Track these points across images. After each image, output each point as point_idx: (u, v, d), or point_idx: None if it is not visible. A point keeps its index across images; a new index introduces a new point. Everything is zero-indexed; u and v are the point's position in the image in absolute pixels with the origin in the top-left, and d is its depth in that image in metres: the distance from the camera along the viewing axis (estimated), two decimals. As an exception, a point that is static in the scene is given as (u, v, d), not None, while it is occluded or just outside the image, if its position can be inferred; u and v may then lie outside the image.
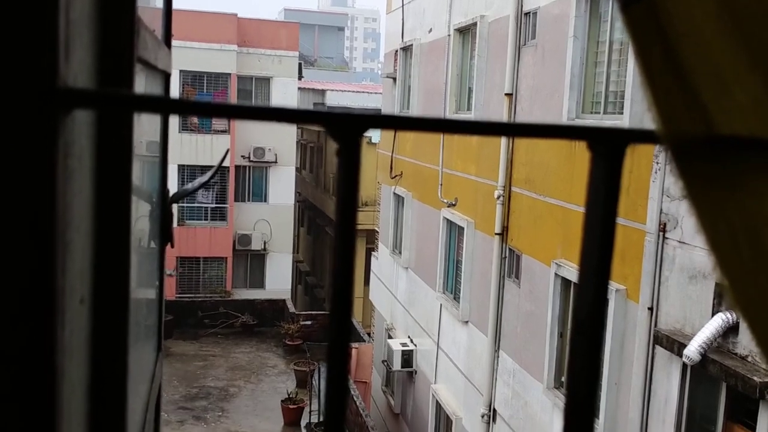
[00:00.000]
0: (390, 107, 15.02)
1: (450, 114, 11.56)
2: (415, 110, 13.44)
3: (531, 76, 8.94)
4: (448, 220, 11.63)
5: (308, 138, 29.23)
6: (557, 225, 8.16)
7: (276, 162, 24.19)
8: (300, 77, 25.66)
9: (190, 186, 2.34)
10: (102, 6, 0.60)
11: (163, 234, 1.41)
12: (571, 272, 7.76)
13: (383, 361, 14.36)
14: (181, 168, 22.33)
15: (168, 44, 1.49)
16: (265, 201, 24.49)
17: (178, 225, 22.12)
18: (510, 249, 9.46)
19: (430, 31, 12.71)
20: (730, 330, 5.44)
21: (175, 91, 21.87)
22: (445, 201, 11.55)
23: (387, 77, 15.38)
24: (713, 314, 5.56)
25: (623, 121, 6.81)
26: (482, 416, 9.92)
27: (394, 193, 14.58)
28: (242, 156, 23.70)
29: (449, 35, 11.60)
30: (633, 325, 6.61)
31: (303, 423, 16.27)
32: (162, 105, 0.37)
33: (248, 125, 23.87)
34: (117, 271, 0.62)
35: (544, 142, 8.60)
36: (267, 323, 22.00)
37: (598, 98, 7.67)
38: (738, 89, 0.42)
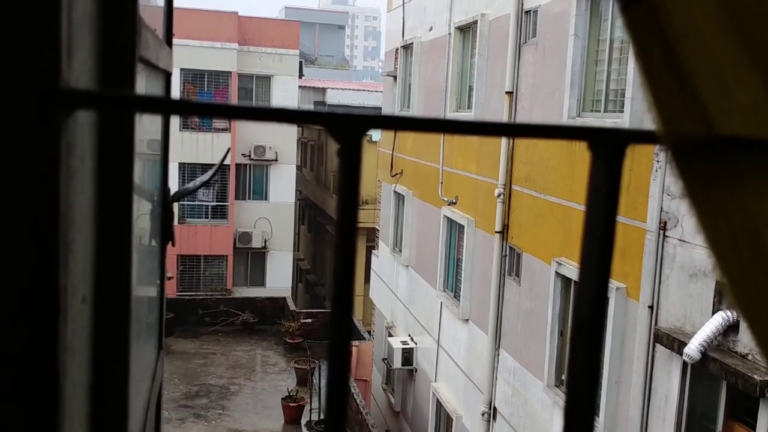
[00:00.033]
0: (390, 105, 15.01)
1: (450, 112, 11.56)
2: (416, 109, 13.44)
3: (531, 74, 8.94)
4: (448, 218, 11.63)
5: (309, 136, 29.23)
6: (557, 223, 8.16)
7: (276, 160, 24.19)
8: (300, 75, 25.66)
9: (191, 185, 2.34)
10: (104, 6, 0.61)
11: (164, 232, 1.41)
12: (572, 270, 7.76)
13: (383, 359, 14.37)
14: (182, 166, 22.34)
15: (169, 43, 1.49)
16: (266, 199, 24.50)
17: (179, 223, 22.13)
18: (510, 247, 9.46)
19: (431, 29, 12.70)
20: (731, 328, 5.44)
21: (175, 90, 21.87)
22: (446, 199, 11.55)
23: (387, 75, 15.37)
24: (713, 313, 5.57)
25: (624, 120, 6.80)
26: (482, 414, 9.93)
27: (395, 192, 14.58)
28: (243, 154, 23.70)
29: (450, 33, 11.60)
30: (633, 324, 6.62)
31: (303, 421, 16.28)
32: (164, 106, 0.38)
33: (249, 123, 23.85)
34: (118, 270, 0.62)
35: (545, 141, 8.59)
36: (267, 321, 22.02)
37: (598, 96, 7.67)
38: (738, 90, 0.42)
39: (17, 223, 0.40)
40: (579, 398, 0.43)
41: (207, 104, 0.39)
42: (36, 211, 0.40)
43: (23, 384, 0.41)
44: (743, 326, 5.36)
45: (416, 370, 13.13)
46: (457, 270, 11.46)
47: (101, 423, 0.60)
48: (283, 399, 16.41)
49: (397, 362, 13.16)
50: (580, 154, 7.78)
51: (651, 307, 6.36)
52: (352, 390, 14.27)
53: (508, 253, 9.53)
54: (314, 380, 16.82)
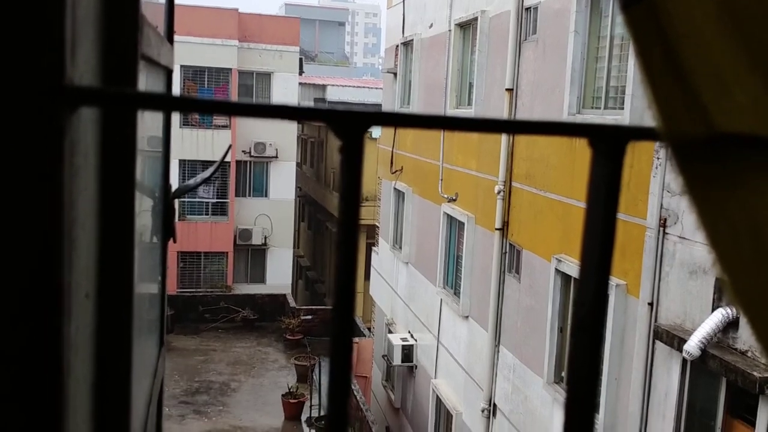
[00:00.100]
0: (390, 102, 15.00)
1: (450, 109, 11.55)
2: (416, 105, 13.43)
3: (532, 71, 8.93)
4: (448, 215, 11.63)
5: (309, 133, 29.21)
6: (557, 220, 8.17)
7: (277, 157, 24.18)
8: (301, 72, 25.63)
9: (192, 181, 2.35)
10: (106, 3, 0.61)
11: (166, 229, 1.41)
12: (572, 267, 7.76)
13: (383, 356, 14.38)
14: (182, 163, 22.32)
15: (170, 40, 1.49)
16: (266, 196, 24.49)
17: (179, 220, 22.12)
18: (510, 244, 9.46)
19: (431, 26, 12.68)
20: (730, 325, 5.44)
21: (176, 87, 21.83)
22: (446, 196, 11.55)
23: (388, 72, 15.36)
24: (713, 309, 5.57)
25: (624, 117, 6.80)
26: (482, 411, 9.94)
27: (395, 188, 14.57)
28: (243, 151, 23.69)
29: (450, 30, 11.58)
30: (633, 321, 6.62)
31: (303, 417, 16.31)
32: (166, 103, 0.38)
33: (249, 120, 23.84)
34: (121, 266, 0.62)
35: (545, 138, 8.59)
36: (268, 318, 22.04)
37: (598, 93, 7.66)
38: (738, 90, 0.42)
39: (21, 220, 0.40)
40: (579, 395, 0.43)
41: (209, 101, 0.40)
42: (40, 207, 0.40)
43: (27, 381, 0.41)
44: (743, 323, 5.36)
45: (416, 366, 13.15)
46: (457, 267, 11.46)
47: (104, 418, 0.60)
48: (283, 395, 16.43)
49: (397, 359, 13.17)
50: (580, 151, 7.78)
51: (651, 304, 6.37)
52: (353, 387, 14.28)
53: (508, 250, 9.54)
54: (314, 377, 16.84)
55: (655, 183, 6.36)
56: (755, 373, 5.04)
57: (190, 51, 21.89)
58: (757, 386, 5.02)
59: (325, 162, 26.78)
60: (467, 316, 10.84)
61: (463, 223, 10.99)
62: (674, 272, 6.11)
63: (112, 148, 0.58)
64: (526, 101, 9.06)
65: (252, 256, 24.56)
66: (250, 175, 24.44)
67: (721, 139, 0.43)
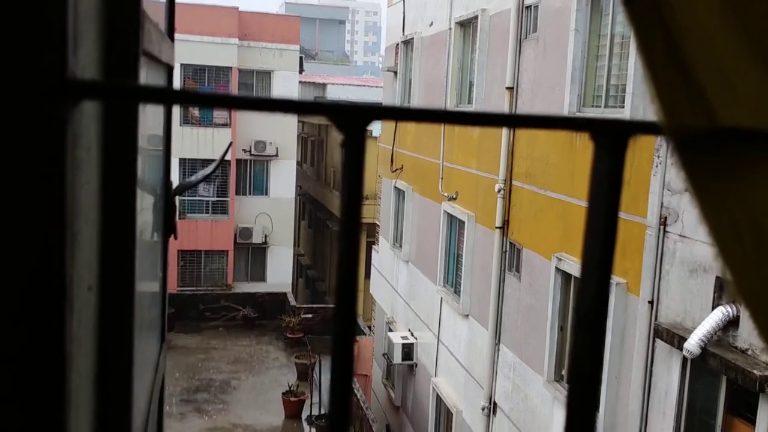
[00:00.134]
0: (391, 101, 14.99)
1: (451, 107, 11.55)
2: (416, 104, 13.42)
3: (532, 69, 8.92)
4: (448, 213, 11.63)
5: (309, 131, 29.20)
6: (558, 219, 8.17)
7: (277, 155, 24.18)
8: (301, 71, 25.62)
9: (193, 178, 2.35)
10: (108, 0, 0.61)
11: (167, 225, 1.41)
12: (572, 266, 7.77)
13: (384, 354, 14.39)
14: (182, 161, 22.32)
15: (171, 37, 1.49)
16: (266, 194, 24.49)
17: (180, 218, 22.12)
18: (510, 243, 9.47)
19: (431, 24, 12.67)
20: (731, 323, 5.44)
21: (177, 85, 21.79)
22: (446, 194, 11.55)
23: (388, 71, 15.35)
24: (713, 308, 5.57)
25: (624, 115, 6.80)
26: (482, 409, 9.95)
27: (395, 187, 14.57)
28: (243, 150, 23.68)
29: (450, 29, 11.57)
30: (633, 319, 6.62)
31: (304, 416, 16.32)
32: (167, 96, 0.38)
33: (249, 119, 23.83)
34: (123, 260, 0.62)
35: (545, 136, 8.58)
36: (268, 316, 22.05)
37: (599, 92, 7.66)
38: (741, 84, 0.42)
39: (24, 213, 0.40)
40: (581, 393, 0.43)
41: (209, 95, 0.40)
42: (42, 200, 0.40)
43: (30, 374, 0.41)
44: (743, 321, 5.36)
45: (416, 365, 13.16)
46: (457, 265, 11.47)
47: (106, 413, 0.60)
48: (283, 394, 16.45)
49: (397, 357, 13.18)
50: (580, 149, 7.77)
51: (651, 303, 6.37)
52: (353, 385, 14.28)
53: (508, 248, 9.54)
54: (315, 375, 16.85)
55: (655, 181, 6.36)
56: (755, 372, 5.04)
57: (191, 49, 21.88)
58: (758, 384, 5.03)
59: (325, 160, 26.77)
60: (467, 315, 10.85)
61: (463, 222, 10.99)
62: (674, 270, 6.11)
63: (113, 141, 0.58)
64: (527, 99, 9.06)
65: (252, 254, 24.57)
66: (251, 174, 24.44)
67: (724, 133, 0.43)
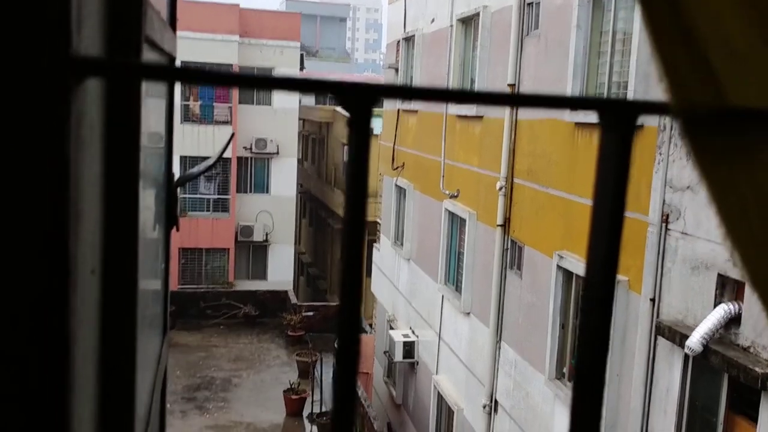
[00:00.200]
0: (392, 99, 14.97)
1: (452, 105, 11.54)
2: (417, 102, 13.40)
3: (534, 66, 8.91)
4: (449, 211, 11.62)
5: (310, 129, 29.20)
6: (559, 216, 8.16)
7: (278, 153, 24.18)
8: (302, 68, 25.61)
9: (195, 170, 2.35)
10: (111, -18, 0.61)
11: (169, 217, 1.41)
12: (573, 264, 7.76)
13: (385, 352, 14.40)
14: (183, 159, 22.32)
15: (173, 27, 1.49)
16: (267, 192, 24.50)
17: (180, 216, 22.12)
18: (512, 240, 9.46)
19: (433, 21, 12.66)
20: (732, 321, 5.44)
21: (177, 84, 21.75)
22: (447, 192, 11.54)
23: (389, 68, 15.34)
24: (715, 305, 5.57)
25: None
26: (484, 407, 9.95)
27: (396, 185, 14.57)
28: (244, 147, 23.68)
29: (452, 25, 11.56)
30: (635, 317, 6.62)
31: (305, 413, 16.34)
32: (171, 73, 0.38)
33: (250, 116, 23.84)
34: (126, 245, 0.62)
35: (546, 134, 8.57)
36: (269, 314, 22.07)
37: (601, 88, 7.65)
38: (750, 64, 0.42)
39: (29, 189, 0.40)
40: (586, 391, 0.43)
41: (214, 73, 0.39)
42: (47, 175, 0.40)
43: (33, 354, 0.41)
44: (745, 319, 5.36)
45: (417, 363, 13.16)
46: (458, 263, 11.47)
47: (109, 396, 0.60)
48: (284, 391, 16.47)
49: (398, 355, 13.18)
50: (582, 147, 7.77)
51: (653, 300, 6.36)
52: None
53: (509, 246, 9.53)
54: (316, 373, 16.87)
55: (657, 179, 6.35)
56: (757, 369, 5.04)
57: (191, 47, 21.86)
58: (759, 382, 5.02)
59: (326, 158, 26.77)
60: (469, 313, 10.85)
61: (464, 220, 10.98)
62: (676, 268, 6.10)
63: (116, 122, 0.58)
64: (528, 97, 9.04)
65: (253, 252, 24.58)
66: (252, 172, 24.45)
67: (733, 113, 0.43)
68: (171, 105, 1.66)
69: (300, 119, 26.39)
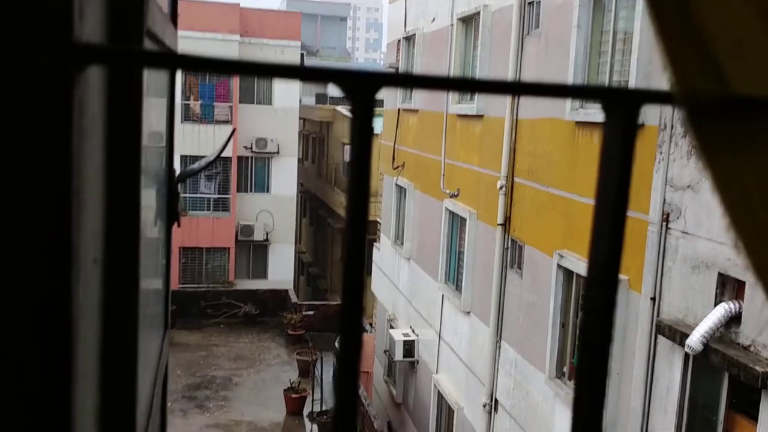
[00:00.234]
0: (392, 97, 14.99)
1: (452, 104, 11.53)
2: (417, 100, 13.41)
3: (534, 65, 8.91)
4: (450, 210, 11.62)
5: (310, 129, 29.20)
6: (560, 216, 8.16)
7: (278, 153, 24.18)
8: (302, 67, 25.57)
9: (196, 165, 2.35)
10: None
11: (170, 213, 1.41)
12: (574, 263, 7.76)
13: (385, 351, 14.40)
14: (184, 159, 22.31)
15: (174, 23, 1.48)
16: (268, 192, 24.50)
17: (181, 215, 22.11)
18: (512, 240, 9.46)
19: (433, 20, 12.66)
20: (733, 320, 5.44)
21: (177, 81, 21.79)
22: (448, 192, 11.54)
23: (389, 67, 15.33)
24: (716, 304, 5.56)
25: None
26: (484, 406, 9.95)
27: (396, 184, 14.57)
28: (244, 147, 23.69)
29: (452, 25, 11.56)
30: (635, 316, 6.62)
31: (305, 412, 16.35)
32: (174, 61, 0.37)
33: (251, 116, 23.83)
34: (128, 234, 0.62)
35: (547, 133, 8.57)
36: (269, 313, 22.08)
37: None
38: (753, 53, 0.42)
39: (32, 176, 0.40)
40: (589, 391, 0.42)
41: (217, 60, 0.39)
42: (50, 161, 0.40)
43: (36, 344, 0.41)
44: (745, 318, 5.36)
45: (418, 362, 13.16)
46: (458, 262, 11.46)
47: (111, 385, 0.60)
48: (285, 390, 16.47)
49: (398, 354, 13.18)
50: (582, 146, 7.76)
51: (653, 299, 6.36)
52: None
53: (510, 245, 9.53)
54: (316, 372, 16.87)
55: (657, 178, 6.35)
56: (757, 368, 5.04)
57: (191, 46, 21.86)
58: (760, 381, 5.02)
59: (326, 158, 26.77)
60: (469, 312, 10.85)
61: (464, 219, 10.98)
62: (677, 267, 6.10)
63: (118, 111, 0.57)
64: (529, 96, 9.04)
65: (254, 251, 24.59)
66: (252, 171, 24.45)
67: (736, 101, 0.43)
68: (172, 99, 1.66)
69: (300, 119, 26.40)
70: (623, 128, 0.45)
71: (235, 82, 23.35)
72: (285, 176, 24.56)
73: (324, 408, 15.85)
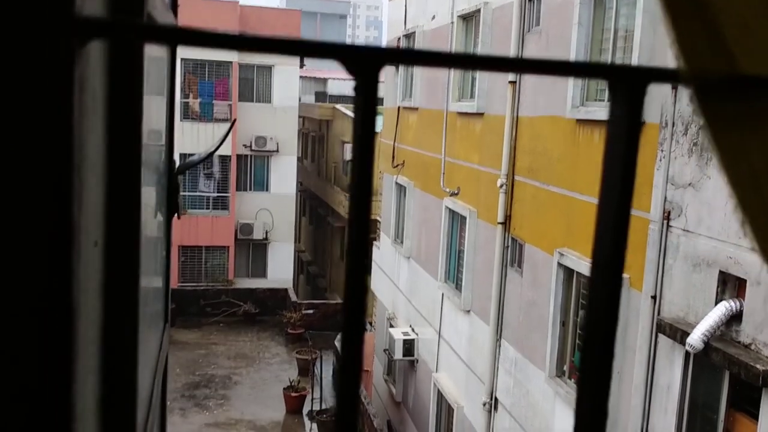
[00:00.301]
0: (392, 96, 14.98)
1: (453, 102, 11.53)
2: (418, 99, 13.40)
3: (535, 64, 8.89)
4: (450, 209, 11.62)
5: (310, 127, 29.20)
6: (560, 214, 8.15)
7: (277, 151, 24.17)
8: (302, 65, 25.60)
9: (196, 157, 2.34)
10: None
11: (170, 205, 1.40)
12: (574, 261, 7.75)
13: (385, 350, 14.40)
14: (183, 157, 22.29)
15: (174, 12, 1.48)
16: (267, 190, 24.49)
17: (181, 213, 22.08)
18: (513, 238, 9.45)
19: (433, 18, 12.65)
20: (734, 318, 5.43)
21: (177, 80, 21.74)
22: (448, 190, 11.54)
23: (389, 66, 15.30)
24: (717, 303, 5.56)
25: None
26: (484, 405, 9.95)
27: (396, 183, 14.56)
28: (244, 145, 23.68)
29: (452, 22, 11.55)
30: (636, 314, 6.61)
31: (305, 411, 16.35)
32: (176, 35, 0.37)
33: (250, 114, 23.82)
34: (128, 217, 0.61)
35: (547, 131, 8.56)
36: (269, 312, 22.08)
37: (602, 85, 7.64)
38: (760, 32, 0.41)
39: (31, 152, 0.39)
40: (592, 390, 0.42)
41: (219, 34, 0.38)
42: (51, 137, 0.39)
43: (37, 324, 0.40)
44: (746, 316, 5.35)
45: (417, 360, 13.16)
46: (458, 261, 11.46)
47: (112, 368, 0.59)
48: (284, 389, 16.47)
49: (398, 353, 13.18)
50: (583, 144, 7.76)
51: (654, 297, 6.36)
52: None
53: (510, 244, 9.53)
54: (316, 370, 16.87)
55: (659, 175, 6.34)
56: (758, 366, 5.03)
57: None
58: (761, 379, 5.02)
59: (326, 156, 26.77)
60: (469, 311, 10.84)
61: (465, 217, 10.98)
62: (677, 265, 6.10)
63: (119, 89, 0.57)
64: (529, 94, 9.04)
65: (253, 250, 24.58)
66: (251, 169, 24.44)
67: (744, 81, 0.42)
68: (172, 91, 1.65)
69: (300, 117, 26.39)
70: (629, 107, 0.45)
71: (235, 79, 23.33)
72: (284, 175, 24.56)
73: (323, 407, 15.86)
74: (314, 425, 15.64)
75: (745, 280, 5.34)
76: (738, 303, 5.41)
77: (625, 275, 6.79)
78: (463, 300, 10.92)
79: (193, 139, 22.66)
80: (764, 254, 0.46)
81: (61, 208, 0.40)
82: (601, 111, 7.34)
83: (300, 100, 26.30)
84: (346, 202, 22.30)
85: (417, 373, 13.22)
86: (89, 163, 0.48)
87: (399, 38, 14.61)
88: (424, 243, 12.98)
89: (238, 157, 23.72)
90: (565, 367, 8.18)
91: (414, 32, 13.55)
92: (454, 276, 11.68)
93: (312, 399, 16.09)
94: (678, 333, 5.85)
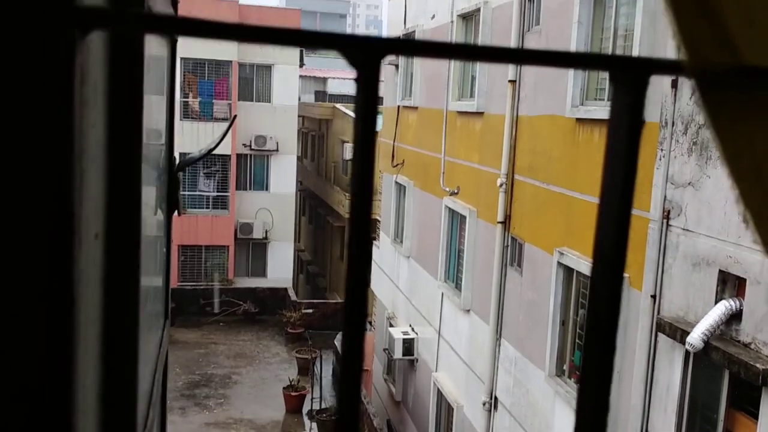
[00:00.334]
0: (392, 95, 14.97)
1: (453, 101, 11.53)
2: (418, 98, 13.40)
3: (535, 63, 8.89)
4: (450, 208, 11.62)
5: (309, 126, 29.19)
6: (560, 213, 8.15)
7: (277, 150, 24.16)
8: (301, 65, 25.58)
9: (196, 153, 2.34)
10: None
11: (171, 201, 1.40)
12: (574, 260, 7.75)
13: (384, 350, 14.40)
14: (183, 156, 22.28)
15: (174, 9, 1.48)
16: (267, 190, 24.49)
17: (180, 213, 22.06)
18: (512, 237, 9.45)
19: (433, 17, 12.64)
20: (733, 317, 5.43)
21: (177, 78, 21.72)
22: (447, 189, 11.53)
23: (389, 64, 15.31)
24: (716, 302, 5.56)
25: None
26: (483, 404, 9.95)
27: (396, 182, 14.56)
28: (243, 144, 23.67)
29: (452, 21, 11.54)
30: (636, 313, 6.61)
31: (305, 410, 16.35)
32: (177, 25, 0.37)
33: (250, 113, 23.81)
34: (129, 209, 0.61)
35: (547, 131, 8.56)
36: (269, 311, 22.08)
37: (602, 84, 7.64)
38: (764, 19, 0.41)
39: (32, 144, 0.39)
40: (593, 390, 0.42)
41: (220, 23, 0.38)
42: (51, 129, 0.39)
43: (39, 315, 0.40)
44: (746, 315, 5.35)
45: (417, 360, 13.16)
46: (458, 260, 11.46)
47: (113, 360, 0.59)
48: (284, 388, 16.48)
49: (398, 352, 13.18)
50: (583, 143, 7.76)
51: (654, 297, 6.36)
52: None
53: (510, 243, 9.53)
54: (315, 370, 16.88)
55: (658, 175, 6.34)
56: (758, 365, 5.03)
57: (190, 43, 21.85)
58: (761, 378, 5.02)
59: (325, 156, 26.77)
60: (468, 310, 10.84)
61: (464, 217, 10.98)
62: (677, 264, 6.10)
63: (119, 82, 0.57)
64: (529, 93, 9.04)
65: (253, 249, 24.58)
66: (251, 169, 24.44)
67: (747, 71, 0.42)
68: (172, 90, 1.65)
69: (299, 116, 26.39)
70: (631, 99, 0.44)
71: (234, 78, 23.32)
72: (284, 174, 24.55)
73: (323, 406, 15.86)
74: (314, 424, 15.64)
75: (744, 279, 5.34)
76: (738, 302, 5.41)
77: (625, 274, 6.78)
78: (462, 299, 10.92)
79: (193, 138, 22.64)
80: (766, 247, 0.46)
81: (62, 199, 0.39)
82: (600, 110, 7.34)
83: (300, 99, 26.30)
84: (345, 202, 22.30)
85: (417, 372, 13.23)
86: (90, 154, 0.48)
87: (399, 37, 14.58)
88: (424, 242, 12.98)
89: (238, 156, 23.72)
90: (565, 367, 8.18)
91: (414, 32, 13.54)
92: (453, 275, 11.68)
93: (312, 398, 16.09)
94: (678, 332, 5.85)
